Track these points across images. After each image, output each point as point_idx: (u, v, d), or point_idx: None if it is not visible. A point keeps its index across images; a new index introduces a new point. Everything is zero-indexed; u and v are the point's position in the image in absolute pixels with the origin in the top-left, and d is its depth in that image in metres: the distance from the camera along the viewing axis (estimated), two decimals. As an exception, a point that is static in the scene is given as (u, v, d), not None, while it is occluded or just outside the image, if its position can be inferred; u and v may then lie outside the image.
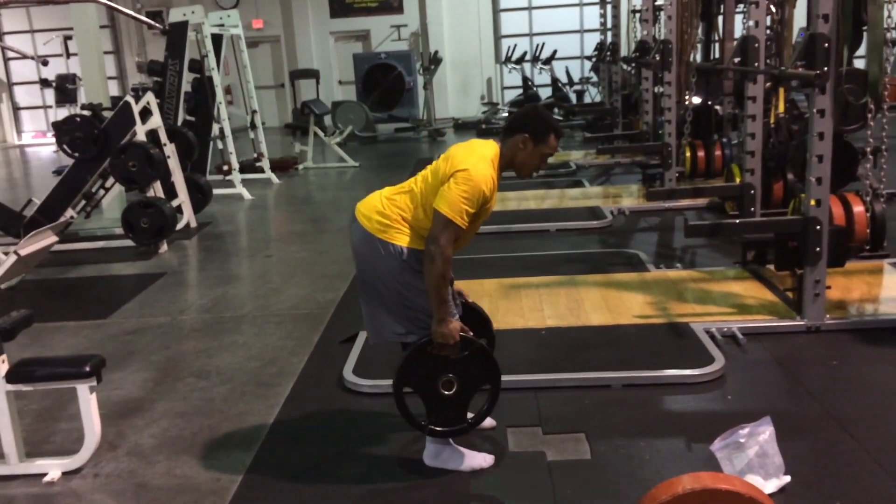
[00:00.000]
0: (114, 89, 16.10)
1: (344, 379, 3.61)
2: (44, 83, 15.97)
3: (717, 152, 7.30)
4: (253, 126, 10.08)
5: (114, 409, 3.53)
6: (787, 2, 5.88)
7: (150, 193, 6.58)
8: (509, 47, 15.19)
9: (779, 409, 3.15)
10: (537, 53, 14.95)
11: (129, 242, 6.47)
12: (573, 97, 14.31)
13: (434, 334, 2.65)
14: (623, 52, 10.44)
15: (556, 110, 13.07)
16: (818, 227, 3.81)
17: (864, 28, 4.45)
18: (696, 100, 7.14)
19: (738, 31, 6.13)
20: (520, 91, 14.93)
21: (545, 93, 14.73)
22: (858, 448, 2.83)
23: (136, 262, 6.22)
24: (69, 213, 6.49)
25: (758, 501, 1.85)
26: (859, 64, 4.54)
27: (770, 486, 2.53)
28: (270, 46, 16.84)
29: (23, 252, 5.16)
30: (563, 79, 14.27)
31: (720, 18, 7.28)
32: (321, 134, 11.35)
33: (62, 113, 10.66)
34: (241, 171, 9.39)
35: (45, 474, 2.94)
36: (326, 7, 16.40)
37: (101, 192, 6.99)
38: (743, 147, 5.35)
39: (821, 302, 3.89)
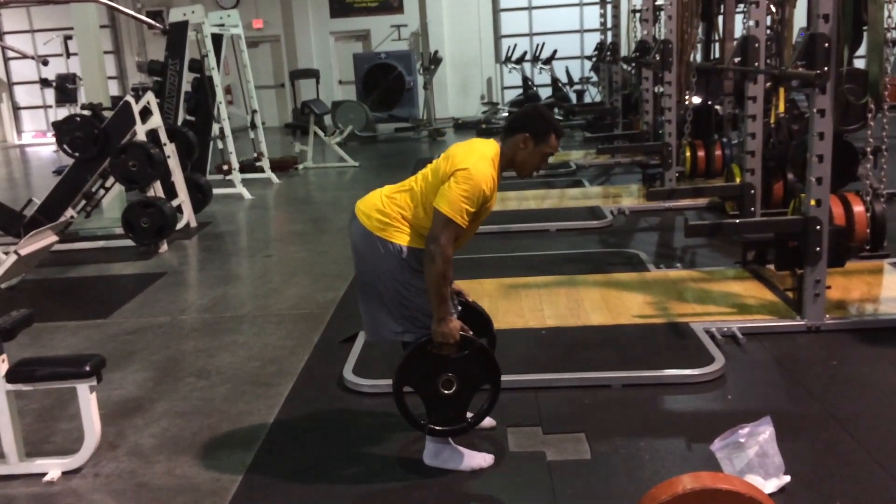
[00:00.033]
0: (114, 89, 16.10)
1: (344, 378, 3.61)
2: (44, 83, 15.96)
3: (718, 152, 7.30)
4: (253, 126, 10.08)
5: (114, 408, 3.53)
6: (788, 2, 5.88)
7: (151, 193, 6.58)
8: (509, 47, 15.19)
9: (779, 408, 3.15)
10: (537, 53, 14.95)
11: (129, 242, 6.47)
12: (573, 97, 14.31)
13: (434, 333, 2.65)
14: (623, 51, 10.44)
15: (556, 110, 13.06)
16: (818, 227, 3.81)
17: (865, 28, 4.45)
18: (697, 100, 7.14)
19: (739, 31, 6.14)
20: (520, 91, 14.93)
21: (545, 93, 14.73)
22: (858, 448, 2.83)
23: (136, 262, 6.22)
24: (69, 212, 6.48)
25: (758, 501, 1.85)
26: (859, 64, 4.54)
27: (770, 485, 2.52)
28: (270, 46, 16.84)
29: (23, 252, 5.16)
30: (564, 79, 14.28)
31: (720, 18, 7.29)
32: (321, 134, 11.35)
33: (62, 113, 10.68)
34: (242, 170, 9.39)
35: (45, 474, 2.94)
36: (326, 7, 16.41)
37: (102, 191, 6.99)
38: (743, 147, 5.34)
39: (821, 302, 3.89)
